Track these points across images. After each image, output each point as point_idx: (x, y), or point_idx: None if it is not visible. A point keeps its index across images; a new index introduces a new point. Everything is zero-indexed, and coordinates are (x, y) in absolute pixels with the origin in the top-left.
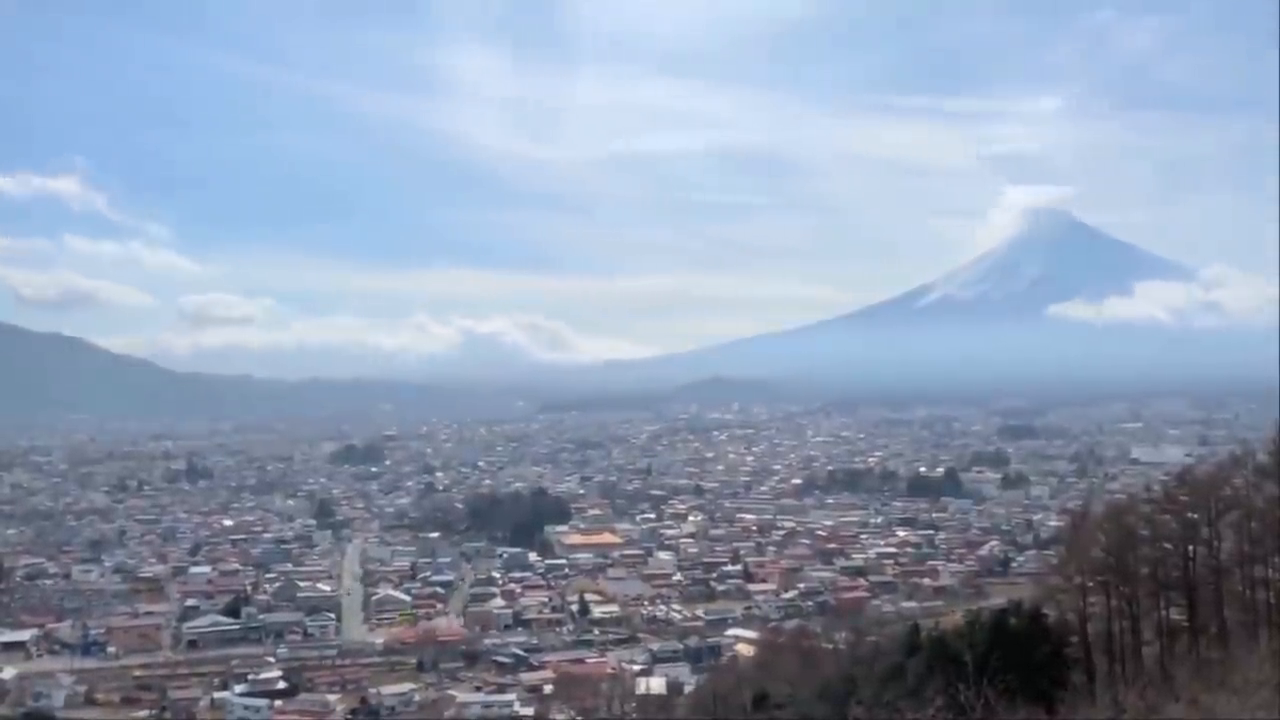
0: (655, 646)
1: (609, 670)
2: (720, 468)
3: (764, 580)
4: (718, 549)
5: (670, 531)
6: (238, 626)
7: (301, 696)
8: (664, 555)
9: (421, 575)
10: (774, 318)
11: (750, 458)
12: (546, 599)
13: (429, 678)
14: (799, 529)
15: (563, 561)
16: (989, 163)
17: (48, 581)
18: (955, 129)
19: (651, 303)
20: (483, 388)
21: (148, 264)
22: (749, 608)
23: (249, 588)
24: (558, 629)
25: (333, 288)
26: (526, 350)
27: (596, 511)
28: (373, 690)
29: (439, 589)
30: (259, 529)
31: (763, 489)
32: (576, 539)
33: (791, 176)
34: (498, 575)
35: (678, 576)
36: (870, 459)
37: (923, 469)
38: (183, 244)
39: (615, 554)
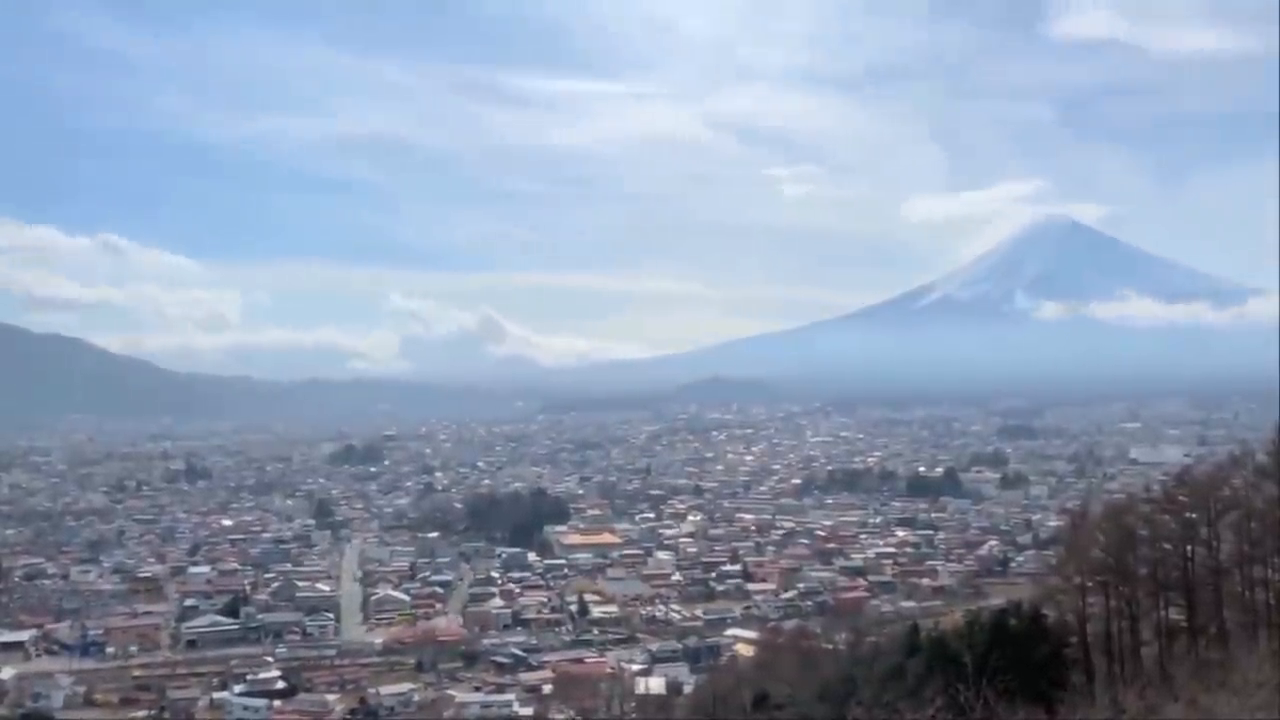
0: (654, 646)
1: (608, 670)
2: (719, 468)
3: (763, 580)
4: (717, 549)
5: (669, 531)
6: (237, 626)
7: (300, 696)
8: (663, 555)
9: (420, 575)
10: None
11: (749, 458)
12: (545, 599)
13: (428, 678)
14: (798, 529)
15: (562, 561)
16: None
17: (46, 582)
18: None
19: (587, 300)
20: (481, 388)
21: (147, 264)
22: (748, 608)
23: (248, 588)
24: (557, 629)
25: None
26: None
27: (596, 511)
28: (372, 690)
29: (438, 589)
30: (258, 529)
31: (762, 489)
32: (576, 539)
33: (553, 165)
34: (497, 575)
35: (677, 576)
36: (869, 459)
37: (922, 469)
38: (181, 244)
39: (614, 554)
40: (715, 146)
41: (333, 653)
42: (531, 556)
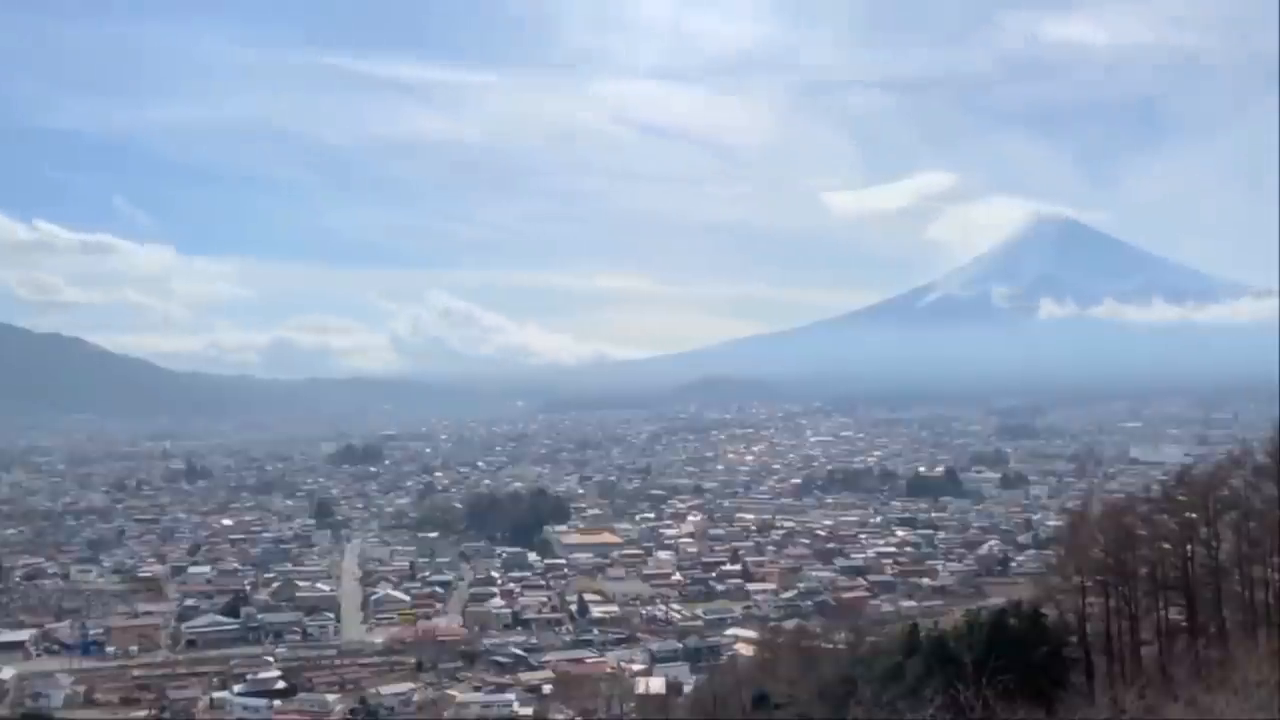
0: (654, 646)
1: (608, 670)
2: (720, 467)
3: (763, 580)
4: (717, 548)
5: (669, 531)
6: (237, 626)
7: (300, 696)
8: (663, 555)
9: (421, 575)
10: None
11: (749, 457)
12: (546, 599)
13: (428, 677)
14: (798, 528)
15: (562, 561)
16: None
17: (46, 581)
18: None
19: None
20: (483, 387)
21: (147, 264)
22: (748, 607)
23: (248, 587)
24: (557, 629)
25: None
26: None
27: (596, 511)
28: (371, 690)
29: (438, 589)
30: (258, 529)
31: (762, 488)
32: (576, 539)
33: (444, 156)
34: (497, 575)
35: (677, 576)
36: (869, 458)
37: (922, 468)
38: (182, 243)
39: (614, 554)
40: (617, 140)
41: (333, 652)
42: (531, 556)
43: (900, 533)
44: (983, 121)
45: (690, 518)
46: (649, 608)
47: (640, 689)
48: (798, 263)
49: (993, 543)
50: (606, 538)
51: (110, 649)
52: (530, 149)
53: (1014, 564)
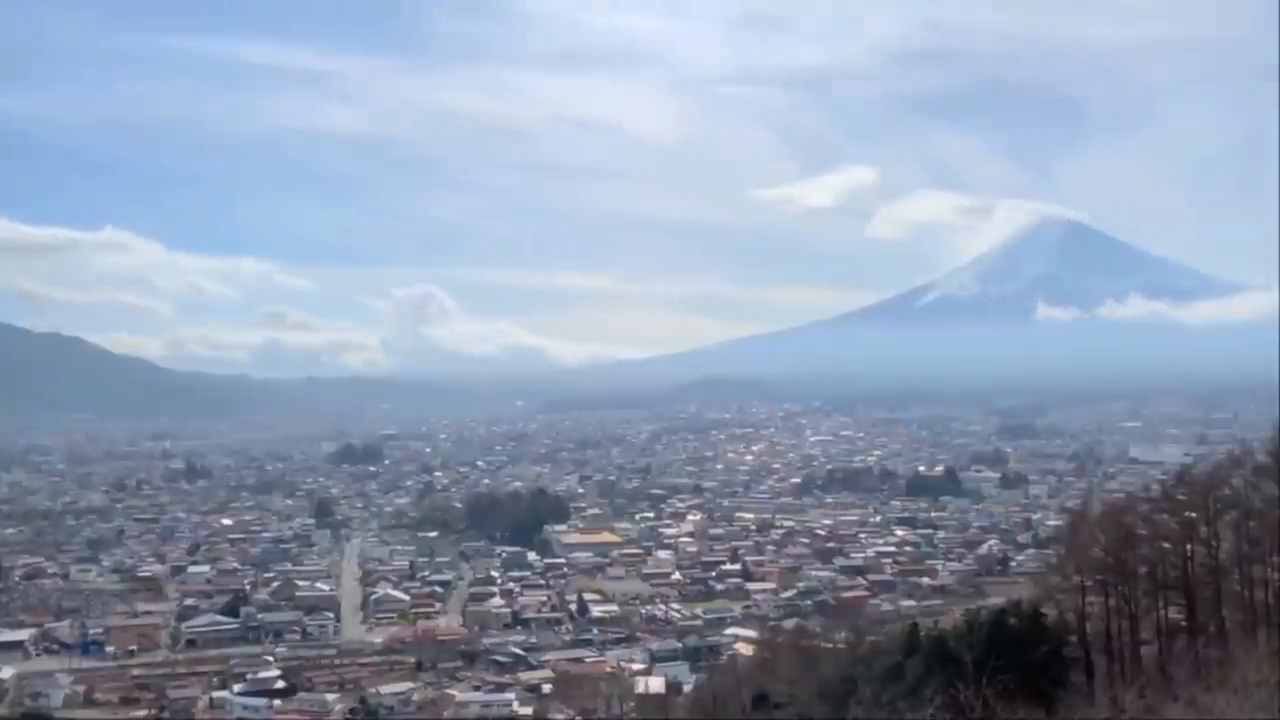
0: (654, 646)
1: (608, 669)
2: (719, 467)
3: (763, 579)
4: (717, 548)
5: (669, 530)
6: (236, 626)
7: (300, 696)
8: (663, 554)
9: (420, 574)
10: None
11: (749, 457)
12: (545, 598)
13: (428, 677)
14: (798, 528)
15: (562, 561)
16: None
17: (46, 581)
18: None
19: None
20: (482, 387)
21: (146, 263)
22: (748, 607)
23: (248, 587)
24: (557, 628)
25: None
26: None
27: (595, 511)
28: (371, 690)
29: (438, 588)
30: (258, 528)
31: (762, 488)
32: (575, 538)
33: (354, 148)
34: (496, 574)
35: (676, 575)
36: (869, 458)
37: (922, 468)
38: (181, 242)
39: (614, 553)
40: (531, 133)
41: (333, 652)
42: (531, 556)
43: (900, 532)
44: (892, 115)
45: (690, 517)
46: (649, 607)
47: (640, 688)
48: (756, 261)
49: (993, 542)
50: (606, 537)
51: (110, 649)
52: (438, 141)
53: (1014, 564)
